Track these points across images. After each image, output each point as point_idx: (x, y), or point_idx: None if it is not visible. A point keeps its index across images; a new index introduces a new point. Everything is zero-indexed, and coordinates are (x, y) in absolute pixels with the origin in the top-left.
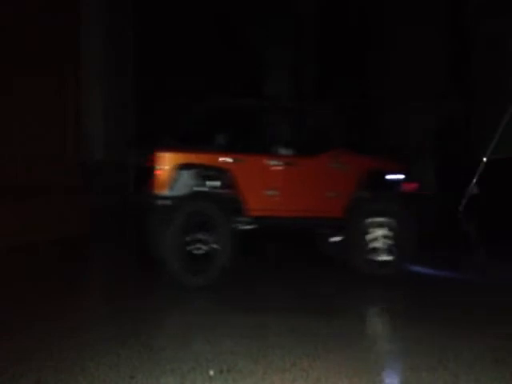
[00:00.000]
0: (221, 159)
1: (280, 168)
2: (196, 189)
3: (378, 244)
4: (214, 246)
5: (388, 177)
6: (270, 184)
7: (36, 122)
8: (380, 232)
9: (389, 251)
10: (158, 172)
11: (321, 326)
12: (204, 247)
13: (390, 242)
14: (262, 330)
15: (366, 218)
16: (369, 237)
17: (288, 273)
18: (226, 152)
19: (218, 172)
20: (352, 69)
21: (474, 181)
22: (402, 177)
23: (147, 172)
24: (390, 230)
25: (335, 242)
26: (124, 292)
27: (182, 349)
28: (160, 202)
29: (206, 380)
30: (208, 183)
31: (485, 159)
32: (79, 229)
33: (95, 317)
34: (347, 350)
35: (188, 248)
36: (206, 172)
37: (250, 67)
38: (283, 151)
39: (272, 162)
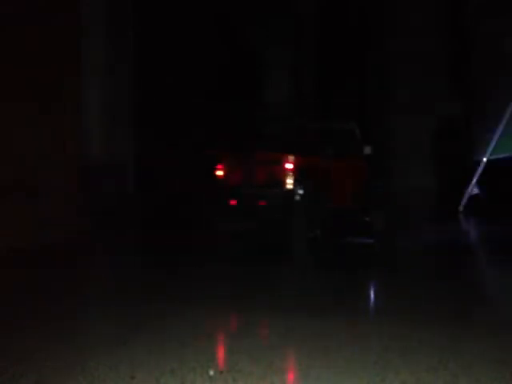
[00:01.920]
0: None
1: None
2: None
3: None
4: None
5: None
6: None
7: (35, 122)
8: None
9: None
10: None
11: (319, 325)
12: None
13: None
14: (262, 329)
15: None
16: None
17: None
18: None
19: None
20: (352, 69)
21: (474, 181)
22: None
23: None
24: None
25: None
26: (124, 292)
27: (182, 349)
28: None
29: (206, 380)
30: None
31: (485, 159)
32: (79, 228)
33: (95, 317)
34: (347, 350)
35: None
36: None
37: (249, 67)
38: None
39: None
